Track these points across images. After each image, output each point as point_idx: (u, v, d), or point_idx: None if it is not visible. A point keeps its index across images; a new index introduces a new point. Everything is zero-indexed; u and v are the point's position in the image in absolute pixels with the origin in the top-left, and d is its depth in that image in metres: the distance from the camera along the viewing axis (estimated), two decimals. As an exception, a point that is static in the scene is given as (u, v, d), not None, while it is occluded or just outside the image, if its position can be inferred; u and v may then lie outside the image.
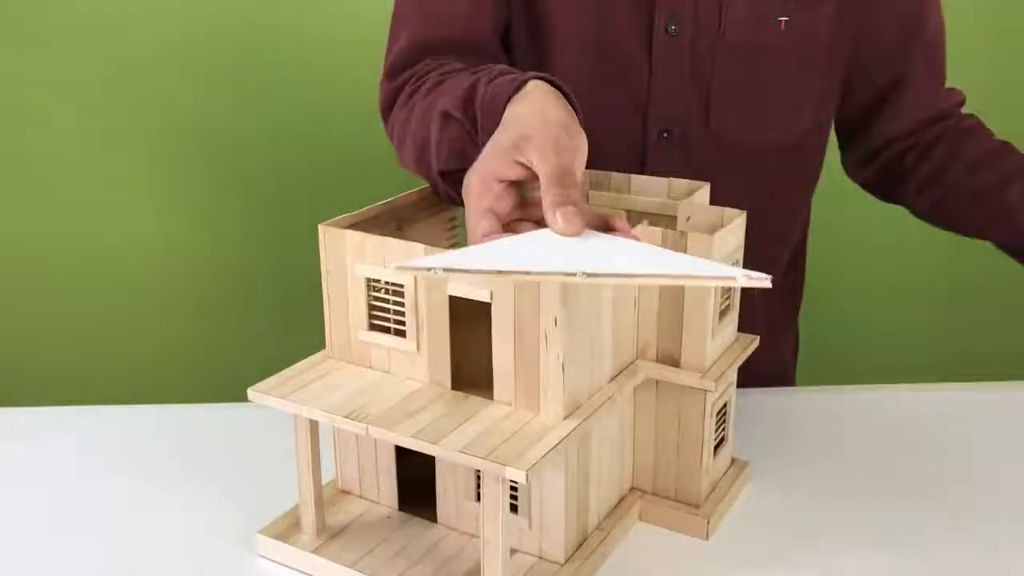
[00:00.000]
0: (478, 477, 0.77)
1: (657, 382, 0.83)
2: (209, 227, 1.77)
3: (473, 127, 0.77)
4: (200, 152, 1.74)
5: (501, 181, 0.65)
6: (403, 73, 0.95)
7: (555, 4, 0.98)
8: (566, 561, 0.77)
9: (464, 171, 0.70)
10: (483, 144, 0.70)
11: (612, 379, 0.79)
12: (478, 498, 0.78)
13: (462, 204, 0.72)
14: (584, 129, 0.68)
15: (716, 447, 0.86)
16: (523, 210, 0.67)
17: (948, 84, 1.13)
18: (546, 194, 0.63)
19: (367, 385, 0.77)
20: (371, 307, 0.78)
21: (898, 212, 1.80)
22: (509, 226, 0.66)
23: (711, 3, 0.95)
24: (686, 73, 0.97)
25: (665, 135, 0.99)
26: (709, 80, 0.97)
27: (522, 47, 1.01)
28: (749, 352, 0.86)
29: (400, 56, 0.95)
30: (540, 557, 0.77)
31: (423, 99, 0.86)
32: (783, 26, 0.96)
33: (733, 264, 0.83)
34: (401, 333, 0.77)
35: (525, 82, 0.73)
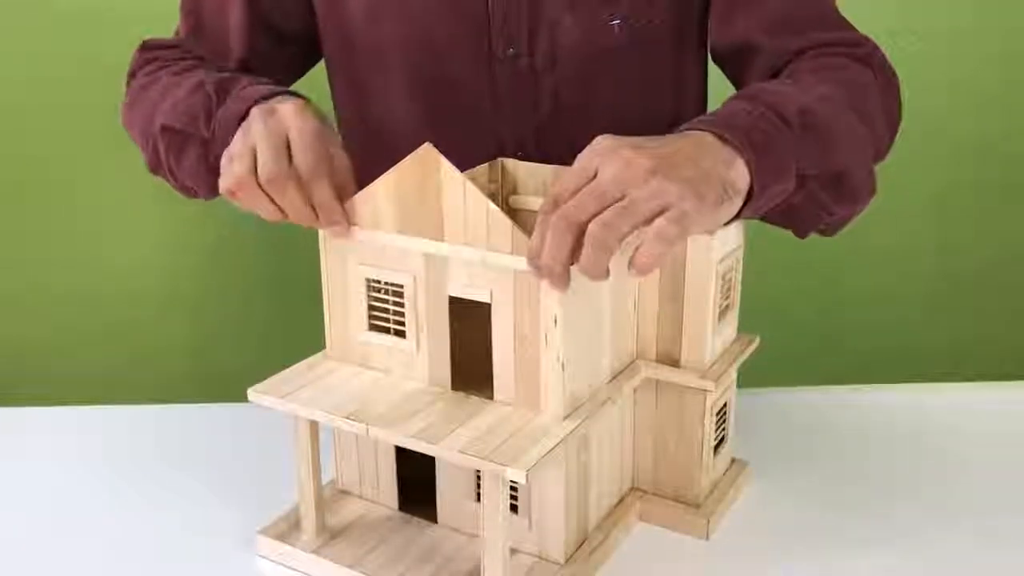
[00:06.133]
0: (478, 477, 0.77)
1: (657, 382, 0.83)
2: (209, 225, 1.77)
3: (218, 103, 0.84)
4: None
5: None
6: (158, 50, 1.03)
7: (380, 41, 0.99)
8: (566, 561, 0.77)
9: (183, 133, 0.86)
10: (217, 120, 0.83)
11: (612, 379, 0.79)
12: (478, 498, 0.78)
13: (164, 169, 0.91)
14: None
15: (716, 447, 0.86)
16: None
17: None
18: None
19: (367, 385, 0.77)
20: (371, 307, 0.78)
21: (897, 214, 1.81)
22: None
23: (543, 21, 0.95)
24: (531, 90, 0.98)
25: (520, 154, 0.99)
26: (556, 94, 0.98)
27: (343, 90, 1.07)
28: (749, 352, 0.86)
29: (166, 43, 1.04)
30: (540, 557, 0.77)
31: (174, 75, 0.95)
32: (617, 29, 0.96)
33: (734, 263, 0.83)
34: (401, 333, 0.77)
35: (286, 93, 0.81)
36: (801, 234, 0.83)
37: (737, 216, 0.71)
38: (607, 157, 0.65)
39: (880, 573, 0.79)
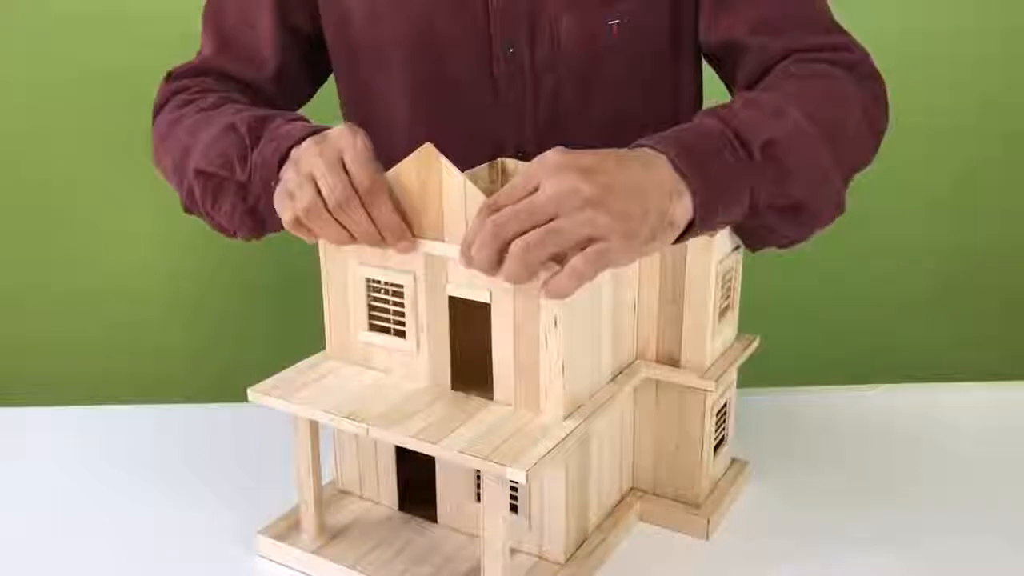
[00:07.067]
0: (478, 477, 0.77)
1: (657, 382, 0.83)
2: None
3: (251, 146, 0.83)
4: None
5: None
6: (182, 80, 1.01)
7: (381, 41, 0.99)
8: (566, 561, 0.77)
9: (218, 177, 0.84)
10: (252, 164, 0.82)
11: (612, 379, 0.79)
12: (478, 498, 0.78)
13: (200, 211, 0.90)
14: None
15: (716, 447, 0.86)
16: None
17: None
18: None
19: (367, 385, 0.77)
20: (371, 308, 0.78)
21: (897, 214, 1.81)
22: None
23: (542, 20, 0.96)
24: (530, 89, 0.98)
25: (520, 154, 0.99)
26: (555, 93, 0.98)
27: (347, 91, 1.07)
28: (749, 352, 0.86)
29: (190, 69, 1.03)
30: (540, 557, 0.77)
31: (200, 111, 0.93)
32: (615, 30, 0.96)
33: (734, 263, 0.83)
34: (401, 333, 0.77)
35: (320, 129, 0.79)
36: (753, 249, 0.83)
37: (675, 242, 0.72)
38: (552, 175, 0.65)
39: (880, 573, 0.79)
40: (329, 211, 0.73)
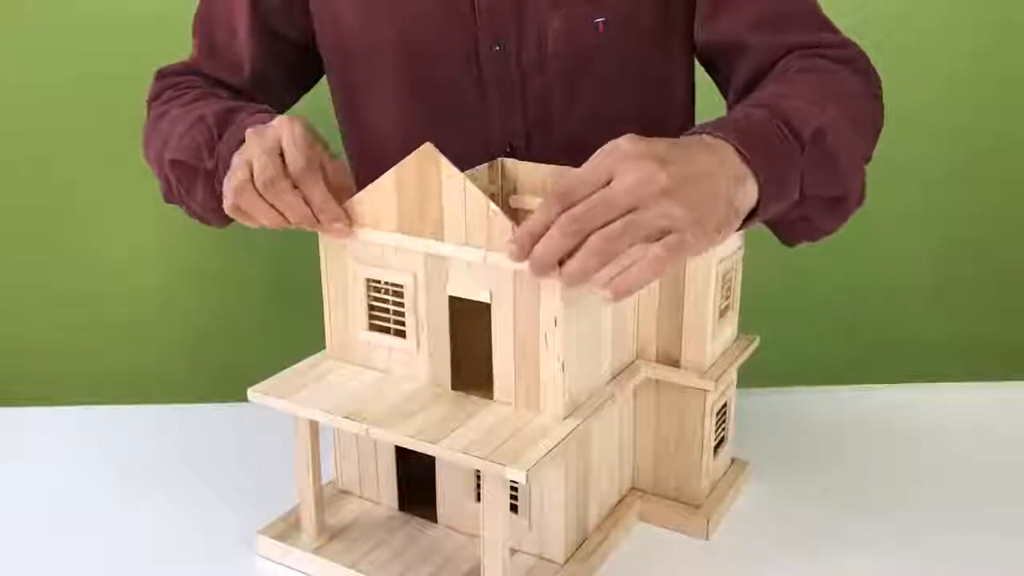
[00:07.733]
0: (478, 477, 0.77)
1: (657, 382, 0.83)
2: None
3: (219, 136, 0.87)
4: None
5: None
6: (171, 78, 1.05)
7: (371, 43, 1.00)
8: (566, 561, 0.77)
9: (190, 166, 0.88)
10: (219, 153, 0.85)
11: (612, 379, 0.79)
12: (478, 498, 0.78)
13: (177, 200, 0.94)
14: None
15: (716, 447, 0.86)
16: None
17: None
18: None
19: (367, 385, 0.77)
20: (371, 307, 0.78)
21: (898, 214, 1.81)
22: None
23: (529, 18, 0.96)
24: (518, 87, 0.98)
25: (508, 150, 1.00)
26: (543, 92, 0.98)
27: (340, 95, 1.09)
28: (749, 352, 0.86)
29: (179, 68, 1.06)
30: (540, 557, 0.77)
31: (182, 106, 0.97)
32: (601, 28, 0.96)
33: (734, 263, 0.83)
34: (401, 333, 0.77)
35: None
36: (790, 243, 0.83)
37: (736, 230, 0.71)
38: (626, 164, 0.64)
39: (880, 573, 0.79)
40: (259, 192, 0.75)
